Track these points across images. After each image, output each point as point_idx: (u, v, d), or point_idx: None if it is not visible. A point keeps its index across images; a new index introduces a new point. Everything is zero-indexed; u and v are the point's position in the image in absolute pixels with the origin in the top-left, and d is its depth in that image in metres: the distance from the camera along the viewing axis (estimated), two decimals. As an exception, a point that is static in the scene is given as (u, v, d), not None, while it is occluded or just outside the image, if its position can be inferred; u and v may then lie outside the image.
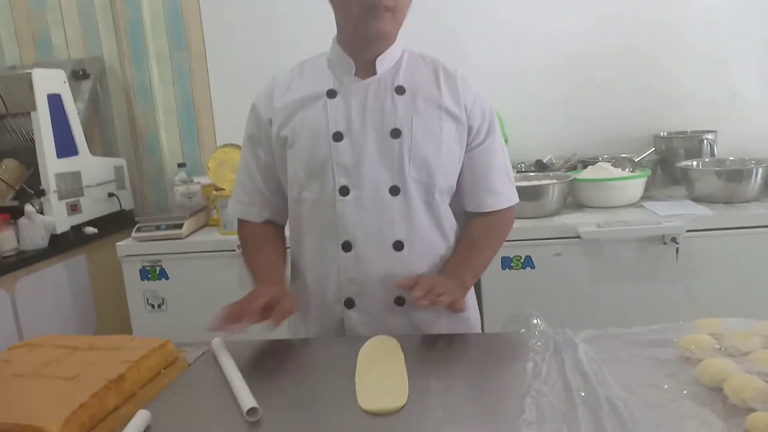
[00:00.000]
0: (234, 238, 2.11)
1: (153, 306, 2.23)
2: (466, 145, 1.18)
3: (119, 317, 2.36)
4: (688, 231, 1.85)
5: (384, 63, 1.16)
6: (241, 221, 1.30)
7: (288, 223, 1.28)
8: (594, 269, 1.91)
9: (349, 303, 1.17)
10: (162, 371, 1.02)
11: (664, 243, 1.88)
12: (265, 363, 1.04)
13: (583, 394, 0.82)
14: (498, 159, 1.21)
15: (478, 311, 1.30)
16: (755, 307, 1.67)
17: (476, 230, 1.22)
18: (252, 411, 0.84)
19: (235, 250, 2.10)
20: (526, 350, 0.96)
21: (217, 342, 1.08)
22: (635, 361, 0.91)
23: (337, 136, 1.13)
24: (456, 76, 1.19)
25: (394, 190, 1.13)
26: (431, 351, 1.04)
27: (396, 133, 1.12)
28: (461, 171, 1.19)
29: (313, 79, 1.19)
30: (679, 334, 0.97)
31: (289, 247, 1.29)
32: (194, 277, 2.19)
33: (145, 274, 2.22)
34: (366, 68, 1.16)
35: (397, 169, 1.13)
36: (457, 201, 1.22)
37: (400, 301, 1.16)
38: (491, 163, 1.20)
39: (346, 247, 1.14)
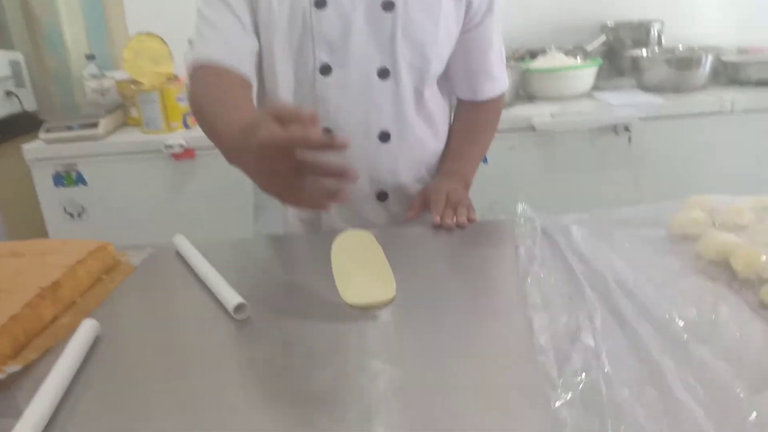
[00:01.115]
0: (159, 138, 1.94)
1: (72, 215, 2.02)
2: (463, 26, 1.04)
3: (34, 229, 2.13)
4: (639, 119, 1.83)
5: None
6: (199, 72, 0.93)
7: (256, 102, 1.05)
8: (548, 161, 1.87)
9: None
10: (104, 277, 0.88)
11: (616, 133, 1.85)
12: (234, 262, 0.92)
13: (587, 276, 0.76)
14: (495, 41, 1.09)
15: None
16: (705, 191, 1.69)
17: (473, 120, 1.11)
18: (240, 308, 0.73)
19: (161, 151, 1.91)
20: (513, 236, 0.89)
21: (180, 238, 0.94)
22: (630, 240, 0.86)
23: (320, 3, 0.95)
24: None
25: (383, 73, 0.99)
26: (411, 242, 0.95)
27: (388, 6, 0.96)
28: (454, 54, 1.06)
29: None
30: (669, 212, 0.92)
31: None
32: (116, 183, 1.99)
33: (60, 180, 1.99)
34: None
35: (388, 48, 0.98)
36: (444, 87, 1.10)
37: (382, 196, 1.07)
38: (489, 46, 1.08)
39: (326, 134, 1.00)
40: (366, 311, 0.73)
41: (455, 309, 0.73)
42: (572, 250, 0.83)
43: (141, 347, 0.71)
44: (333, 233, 0.88)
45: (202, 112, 0.89)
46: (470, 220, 0.98)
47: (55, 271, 0.80)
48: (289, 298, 0.78)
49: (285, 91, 1.00)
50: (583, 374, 0.55)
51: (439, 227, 0.96)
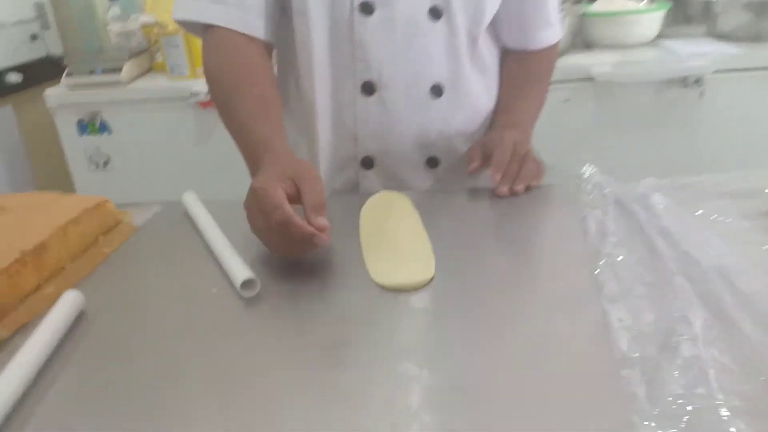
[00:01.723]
0: (184, 85, 1.82)
1: (97, 165, 1.94)
2: None
3: (61, 179, 2.06)
4: (713, 72, 1.62)
5: None
6: (211, 39, 0.83)
7: (277, 51, 0.93)
8: (607, 116, 1.68)
9: (368, 162, 0.90)
10: (100, 238, 0.77)
11: (685, 86, 1.65)
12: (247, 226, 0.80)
13: (675, 259, 0.61)
14: None
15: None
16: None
17: (524, 71, 0.94)
18: (248, 284, 0.61)
19: (187, 99, 1.79)
20: (578, 205, 0.74)
21: (190, 196, 0.82)
22: (725, 215, 0.70)
23: None
24: None
25: (435, 12, 0.83)
26: (454, 209, 0.80)
27: None
28: None
29: None
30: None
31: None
32: (141, 131, 1.89)
33: (84, 128, 1.90)
34: None
35: None
36: (493, 35, 0.93)
37: (433, 162, 0.91)
38: None
39: (368, 89, 0.85)
40: (398, 294, 0.60)
41: (508, 297, 0.60)
42: (654, 226, 0.67)
43: (130, 327, 0.60)
44: (364, 198, 0.75)
45: (218, 97, 0.82)
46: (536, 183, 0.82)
47: (42, 231, 0.70)
48: (307, 273, 0.65)
49: (318, 36, 0.83)
50: (689, 407, 0.41)
51: (486, 191, 0.81)
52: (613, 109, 1.68)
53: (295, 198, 0.64)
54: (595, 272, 0.60)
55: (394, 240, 0.69)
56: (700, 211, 0.71)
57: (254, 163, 0.72)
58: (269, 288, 0.62)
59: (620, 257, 0.61)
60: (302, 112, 0.90)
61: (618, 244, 0.64)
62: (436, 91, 0.87)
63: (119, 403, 0.49)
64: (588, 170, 0.79)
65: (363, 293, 0.60)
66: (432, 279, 0.61)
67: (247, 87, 0.78)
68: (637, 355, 0.48)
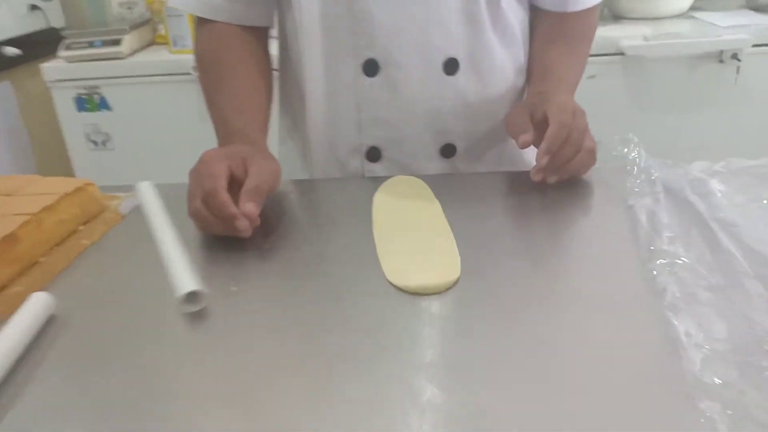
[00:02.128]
0: (188, 59, 1.72)
1: (96, 143, 1.86)
2: None
3: (58, 160, 1.98)
4: (752, 46, 1.50)
5: None
6: (201, 24, 0.80)
7: (277, 30, 0.84)
8: (637, 94, 1.57)
9: (374, 154, 0.79)
10: (80, 228, 0.68)
11: (721, 61, 1.54)
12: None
13: (746, 258, 0.52)
14: None
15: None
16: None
17: (569, 30, 0.82)
18: (191, 297, 0.51)
19: (191, 73, 1.70)
20: (623, 191, 0.65)
21: (144, 187, 0.73)
22: (797, 206, 0.60)
23: None
24: None
25: None
26: (479, 196, 0.71)
27: None
28: None
29: None
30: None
31: (276, 70, 0.86)
32: (142, 108, 1.80)
33: (82, 104, 1.82)
34: None
35: None
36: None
37: (448, 150, 0.80)
38: None
39: (370, 68, 0.74)
40: (416, 298, 0.51)
41: (546, 304, 0.51)
42: (716, 218, 0.58)
43: (106, 333, 0.51)
44: (377, 182, 0.66)
45: (202, 81, 0.80)
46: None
47: (12, 220, 0.61)
48: (313, 271, 0.57)
49: (311, 8, 0.73)
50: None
51: (513, 175, 0.72)
52: (643, 87, 1.57)
53: (241, 180, 0.61)
54: (650, 273, 0.50)
55: (413, 234, 0.60)
56: (766, 200, 0.61)
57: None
58: (268, 287, 0.54)
59: (681, 256, 0.52)
60: (298, 98, 0.81)
61: (675, 240, 0.55)
62: (450, 66, 0.75)
63: (95, 418, 0.41)
64: (634, 150, 0.69)
65: (376, 297, 0.52)
66: (456, 281, 0.53)
67: (231, 80, 0.76)
68: (713, 380, 0.39)
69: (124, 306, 0.55)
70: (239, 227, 0.58)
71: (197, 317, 0.51)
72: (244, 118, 0.73)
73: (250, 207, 0.58)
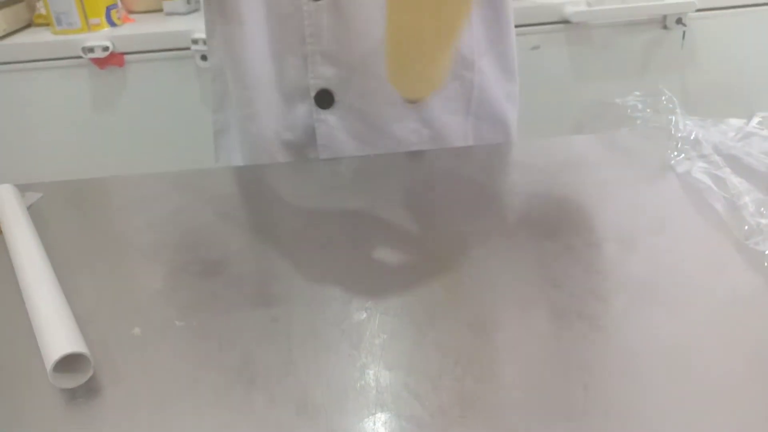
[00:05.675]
0: (75, 39, 1.46)
1: (-33, 143, 1.56)
2: None
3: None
4: (696, 11, 1.45)
5: None
6: None
7: None
8: (584, 63, 1.48)
9: (324, 98, 0.63)
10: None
11: (665, 27, 1.47)
12: (169, 220, 0.52)
13: None
14: None
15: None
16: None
17: None
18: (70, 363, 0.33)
19: (81, 57, 1.44)
20: (667, 155, 0.52)
21: (5, 192, 0.52)
22: None
23: None
24: None
25: None
26: (468, 168, 0.56)
27: None
28: None
29: None
30: None
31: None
32: (23, 100, 1.52)
33: (-56, 100, 1.51)
34: None
35: None
36: None
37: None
38: None
39: None
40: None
41: (628, 302, 0.36)
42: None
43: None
44: (333, 163, 0.49)
45: None
46: None
47: None
48: (251, 274, 0.40)
49: None
50: None
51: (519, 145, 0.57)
52: (589, 55, 1.48)
53: None
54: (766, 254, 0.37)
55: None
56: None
57: None
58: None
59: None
60: (229, 27, 0.63)
61: (760, 208, 0.42)
62: None
63: None
64: (676, 108, 0.56)
65: (319, 303, 0.35)
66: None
67: None
68: None
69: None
70: None
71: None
72: None
73: None
